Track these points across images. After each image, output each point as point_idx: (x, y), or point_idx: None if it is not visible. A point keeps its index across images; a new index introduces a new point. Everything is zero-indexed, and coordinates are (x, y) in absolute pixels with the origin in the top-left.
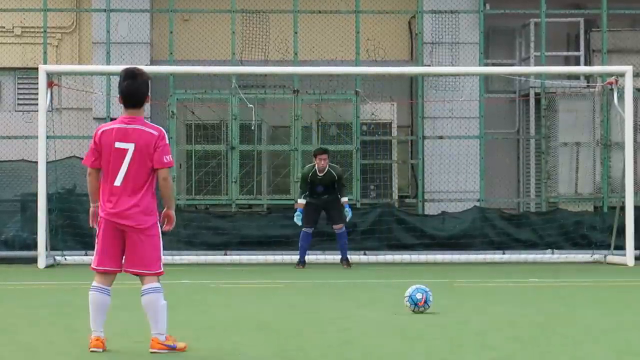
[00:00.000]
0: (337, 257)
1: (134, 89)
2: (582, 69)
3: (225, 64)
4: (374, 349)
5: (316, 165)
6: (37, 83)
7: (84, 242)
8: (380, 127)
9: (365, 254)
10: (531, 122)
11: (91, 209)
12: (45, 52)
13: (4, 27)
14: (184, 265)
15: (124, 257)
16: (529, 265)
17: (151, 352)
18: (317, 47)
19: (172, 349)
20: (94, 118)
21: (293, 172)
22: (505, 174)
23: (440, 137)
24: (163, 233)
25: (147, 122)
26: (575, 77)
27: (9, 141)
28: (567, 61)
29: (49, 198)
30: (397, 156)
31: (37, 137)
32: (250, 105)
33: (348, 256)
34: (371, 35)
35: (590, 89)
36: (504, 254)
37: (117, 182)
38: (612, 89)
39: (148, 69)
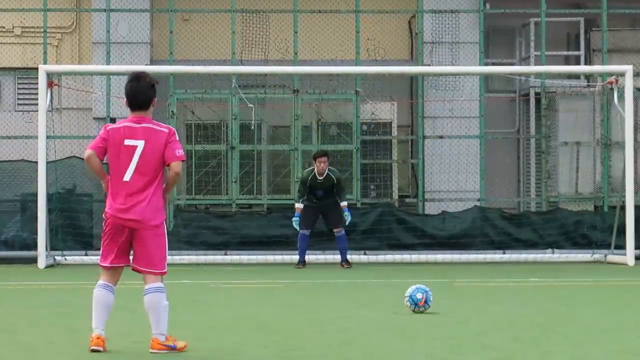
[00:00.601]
0: (337, 257)
1: (137, 91)
2: (582, 68)
3: (225, 63)
4: (374, 349)
5: (316, 168)
6: (37, 83)
7: (84, 242)
8: (381, 127)
9: (365, 254)
10: (531, 122)
11: (103, 183)
12: (45, 52)
13: (4, 27)
14: (184, 265)
15: (131, 254)
16: (529, 264)
17: (151, 352)
18: (317, 46)
19: (172, 349)
20: (94, 118)
21: (293, 172)
22: (506, 173)
23: (441, 137)
24: None
25: (156, 121)
26: (575, 76)
27: (9, 141)
28: (567, 61)
29: (49, 198)
30: (397, 156)
31: (37, 137)
32: (250, 105)
33: (348, 257)
34: (371, 34)
35: (591, 89)
36: (504, 253)
37: (127, 177)
38: (612, 89)
39: (148, 68)
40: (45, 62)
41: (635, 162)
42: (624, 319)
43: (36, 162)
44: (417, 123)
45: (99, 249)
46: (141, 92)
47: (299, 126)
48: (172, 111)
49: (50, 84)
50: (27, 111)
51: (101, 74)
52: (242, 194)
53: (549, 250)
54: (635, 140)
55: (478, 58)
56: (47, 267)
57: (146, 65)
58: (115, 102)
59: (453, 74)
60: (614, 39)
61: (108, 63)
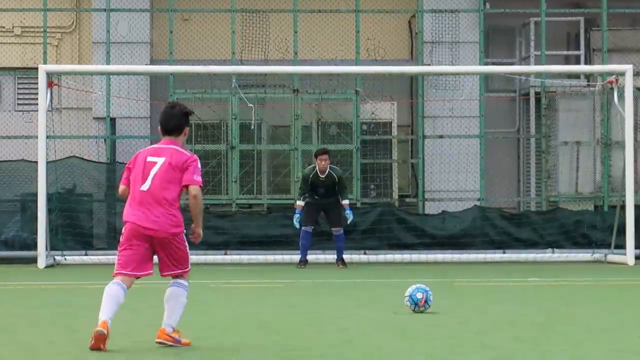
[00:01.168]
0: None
1: (169, 116)
2: (582, 68)
3: (225, 63)
4: (374, 349)
5: (317, 166)
6: (37, 83)
7: (84, 242)
8: (381, 127)
9: (365, 254)
10: (531, 121)
11: None
12: (45, 52)
13: (4, 27)
14: None
15: (153, 262)
16: (530, 264)
17: (156, 342)
18: (317, 46)
19: (177, 342)
20: (94, 118)
21: (293, 171)
22: (506, 173)
23: (441, 137)
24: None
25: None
26: (575, 76)
27: (8, 141)
28: (567, 60)
29: (49, 198)
30: (397, 155)
31: (37, 137)
32: (250, 105)
33: (343, 256)
34: (371, 34)
35: (591, 88)
36: (504, 253)
37: (144, 187)
38: (612, 88)
39: (148, 68)
40: (45, 62)
41: (635, 161)
42: (624, 318)
43: (36, 162)
44: (417, 123)
45: (99, 249)
46: (173, 118)
47: (299, 126)
48: None
49: (50, 84)
50: (27, 111)
51: (101, 73)
52: (242, 194)
53: (549, 249)
54: (635, 139)
55: (478, 58)
56: (47, 267)
57: (146, 65)
58: (115, 102)
59: (453, 73)
60: (614, 39)
61: (108, 63)
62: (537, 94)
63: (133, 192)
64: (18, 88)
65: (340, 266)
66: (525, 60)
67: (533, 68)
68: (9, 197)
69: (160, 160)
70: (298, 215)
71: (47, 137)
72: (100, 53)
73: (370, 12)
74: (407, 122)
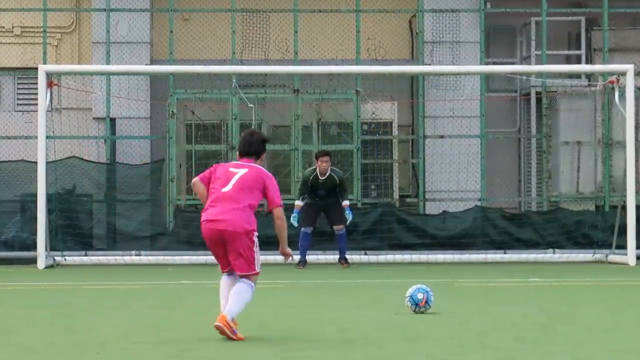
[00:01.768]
0: (337, 257)
1: (249, 143)
2: (583, 67)
3: (226, 63)
4: (375, 349)
5: (317, 168)
6: (37, 83)
7: (84, 242)
8: (381, 127)
9: (366, 254)
10: (532, 121)
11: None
12: (44, 52)
13: (4, 27)
14: (184, 266)
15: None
16: (530, 264)
17: (215, 325)
18: (317, 46)
19: (234, 333)
20: (94, 118)
21: (293, 172)
22: (507, 173)
23: (441, 137)
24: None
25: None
26: (576, 76)
27: (8, 141)
28: (568, 60)
29: (49, 198)
30: (398, 156)
31: (36, 137)
32: (251, 105)
33: (348, 257)
34: (372, 34)
35: (592, 88)
36: (505, 253)
37: (226, 189)
38: (613, 88)
39: (148, 68)
40: (44, 62)
41: (637, 161)
42: (625, 319)
43: (36, 163)
44: (418, 123)
45: (99, 250)
46: (253, 144)
47: (299, 126)
48: (172, 111)
49: (49, 84)
50: (26, 111)
51: (101, 74)
52: None
53: (550, 250)
54: (637, 139)
55: (479, 57)
56: (46, 267)
57: (146, 65)
58: (115, 102)
59: (454, 73)
60: (615, 38)
61: (108, 63)
62: (538, 93)
63: (214, 194)
64: (18, 88)
65: (344, 265)
66: (526, 60)
67: (534, 68)
68: (9, 198)
69: (241, 171)
70: (296, 214)
71: (47, 137)
72: (100, 53)
73: (370, 12)
74: (407, 122)
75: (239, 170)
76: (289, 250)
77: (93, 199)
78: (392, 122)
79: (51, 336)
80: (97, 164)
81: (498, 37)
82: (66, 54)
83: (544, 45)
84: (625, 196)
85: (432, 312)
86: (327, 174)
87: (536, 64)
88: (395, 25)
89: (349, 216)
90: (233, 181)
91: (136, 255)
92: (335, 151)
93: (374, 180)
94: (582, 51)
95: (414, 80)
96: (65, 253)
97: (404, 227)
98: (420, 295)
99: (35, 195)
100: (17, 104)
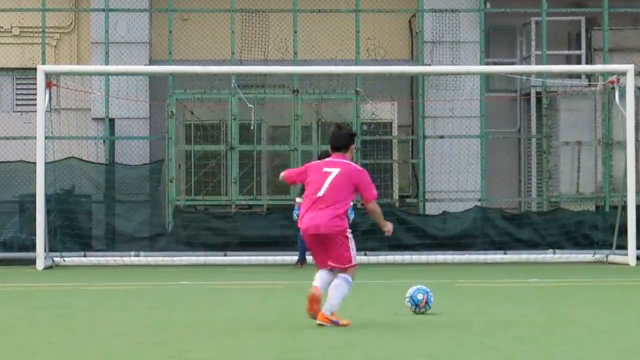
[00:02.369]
0: None
1: (337, 137)
2: (583, 67)
3: (225, 63)
4: (375, 350)
5: None
6: (36, 83)
7: (83, 243)
8: (381, 127)
9: (366, 255)
10: (532, 121)
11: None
12: (43, 52)
13: (2, 27)
14: (184, 266)
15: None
16: (531, 265)
17: (317, 324)
18: (317, 46)
19: (335, 324)
20: (93, 118)
21: None
22: (507, 173)
23: (441, 137)
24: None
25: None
26: (576, 76)
27: (7, 142)
28: (568, 60)
29: (48, 199)
30: (398, 156)
31: (35, 138)
32: (250, 105)
33: None
34: (371, 34)
35: (592, 88)
36: (505, 254)
37: (320, 193)
38: (613, 88)
39: (147, 68)
40: (43, 62)
41: (637, 161)
42: (625, 319)
43: (34, 163)
44: (418, 123)
45: (98, 250)
46: (342, 138)
47: (298, 126)
48: (171, 111)
49: (48, 84)
50: (25, 112)
51: (100, 74)
52: (242, 195)
53: (550, 250)
54: (637, 139)
55: (479, 57)
56: (45, 268)
57: (145, 65)
58: (114, 102)
59: (453, 73)
60: (615, 38)
61: (107, 63)
62: (538, 93)
63: (308, 199)
64: (16, 88)
65: None
66: (526, 60)
67: (534, 68)
68: (8, 198)
69: (334, 171)
70: (297, 210)
71: (46, 137)
72: (99, 53)
73: (370, 12)
74: (407, 122)
75: (332, 170)
76: (386, 224)
77: (92, 199)
78: (392, 122)
79: (50, 337)
80: (96, 164)
81: (498, 37)
82: (65, 54)
83: (544, 45)
84: (625, 196)
85: (432, 313)
86: None
87: (536, 64)
88: (395, 25)
89: (350, 216)
90: (326, 184)
91: (135, 255)
92: None
93: (373, 180)
94: (582, 51)
95: (413, 80)
96: (64, 254)
97: (404, 227)
98: (420, 296)
99: (34, 195)
100: (16, 105)
